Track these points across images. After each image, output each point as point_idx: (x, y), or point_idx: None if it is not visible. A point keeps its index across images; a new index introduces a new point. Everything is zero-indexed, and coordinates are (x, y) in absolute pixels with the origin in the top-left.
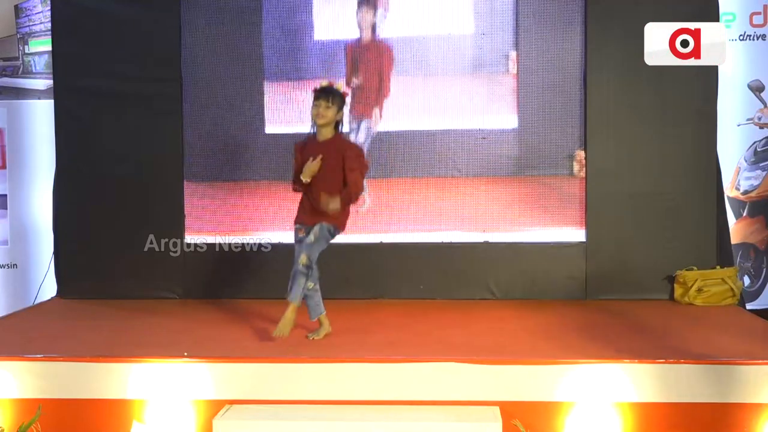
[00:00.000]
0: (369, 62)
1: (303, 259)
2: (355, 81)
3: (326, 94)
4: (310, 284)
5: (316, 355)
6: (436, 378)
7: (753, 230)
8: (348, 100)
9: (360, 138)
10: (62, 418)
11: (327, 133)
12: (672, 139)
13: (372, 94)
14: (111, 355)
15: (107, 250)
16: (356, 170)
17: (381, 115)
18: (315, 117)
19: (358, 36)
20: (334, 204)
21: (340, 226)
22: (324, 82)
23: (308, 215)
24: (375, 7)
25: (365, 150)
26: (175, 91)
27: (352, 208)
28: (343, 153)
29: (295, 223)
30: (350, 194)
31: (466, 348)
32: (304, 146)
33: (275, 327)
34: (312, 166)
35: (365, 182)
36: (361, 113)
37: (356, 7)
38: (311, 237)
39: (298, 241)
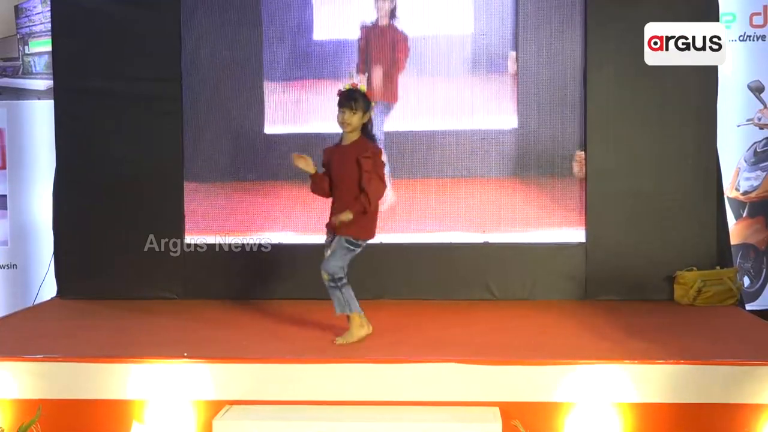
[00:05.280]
0: (383, 45)
1: (324, 275)
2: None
3: (350, 101)
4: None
5: (317, 355)
6: (436, 378)
7: (753, 231)
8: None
9: (379, 121)
10: (62, 419)
11: (352, 137)
12: (672, 139)
13: (385, 76)
14: (111, 355)
15: (107, 250)
16: (370, 173)
17: (396, 97)
18: (341, 124)
19: (374, 21)
20: (344, 216)
21: (361, 235)
22: (347, 85)
23: (330, 220)
24: None
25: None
26: (175, 91)
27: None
28: (359, 156)
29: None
30: (368, 199)
31: (466, 348)
32: (330, 150)
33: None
34: (303, 163)
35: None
36: (376, 96)
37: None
38: (328, 252)
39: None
